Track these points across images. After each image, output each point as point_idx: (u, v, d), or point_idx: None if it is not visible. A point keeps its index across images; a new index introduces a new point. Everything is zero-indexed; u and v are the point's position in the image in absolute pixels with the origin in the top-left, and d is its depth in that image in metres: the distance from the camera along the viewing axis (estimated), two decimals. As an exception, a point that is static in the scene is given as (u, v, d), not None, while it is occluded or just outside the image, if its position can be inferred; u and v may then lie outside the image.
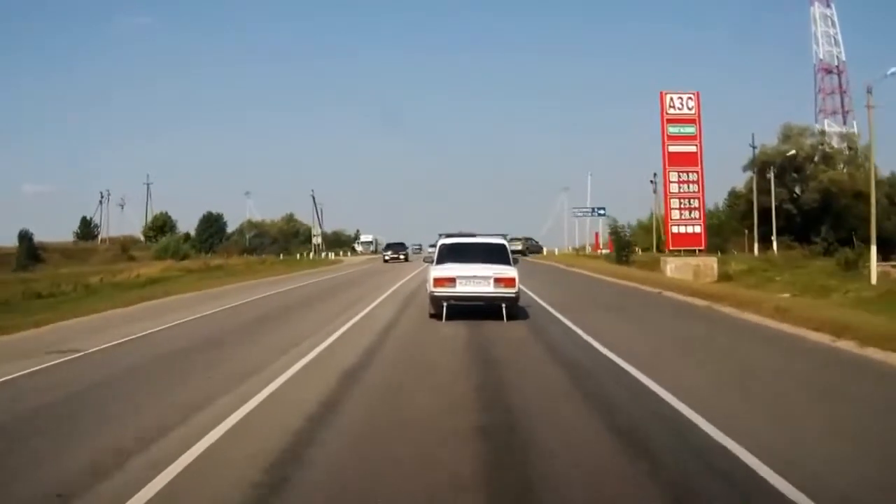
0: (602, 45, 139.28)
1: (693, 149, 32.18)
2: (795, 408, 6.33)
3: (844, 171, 52.26)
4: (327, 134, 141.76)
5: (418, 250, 71.40)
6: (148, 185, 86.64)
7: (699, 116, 32.25)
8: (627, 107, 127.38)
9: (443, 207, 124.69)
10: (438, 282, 12.48)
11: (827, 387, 7.40)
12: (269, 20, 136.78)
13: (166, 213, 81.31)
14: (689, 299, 16.08)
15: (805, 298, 22.24)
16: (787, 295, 23.65)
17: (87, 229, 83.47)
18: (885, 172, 51.01)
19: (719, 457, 4.77)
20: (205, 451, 5.11)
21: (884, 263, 32.02)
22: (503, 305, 12.29)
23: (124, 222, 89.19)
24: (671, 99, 32.08)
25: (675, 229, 32.77)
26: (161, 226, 78.44)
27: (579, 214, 64.39)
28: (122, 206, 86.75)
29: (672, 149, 32.09)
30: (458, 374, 7.94)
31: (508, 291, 12.27)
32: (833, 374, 8.08)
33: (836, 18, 67.38)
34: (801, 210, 50.58)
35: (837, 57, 67.46)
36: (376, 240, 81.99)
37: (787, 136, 52.53)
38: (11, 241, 62.93)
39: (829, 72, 67.27)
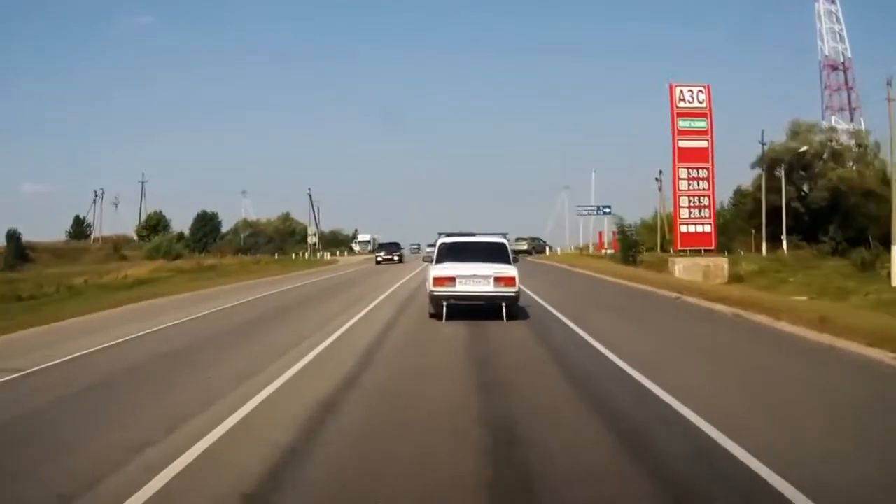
0: (602, 45, 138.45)
1: (704, 144, 30.94)
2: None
3: (854, 168, 51.02)
4: (326, 133, 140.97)
5: (417, 250, 70.13)
6: (142, 183, 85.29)
7: (710, 110, 31.04)
8: (628, 106, 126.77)
9: (443, 207, 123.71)
10: (438, 281, 12.40)
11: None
12: (269, 20, 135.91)
13: (160, 212, 79.97)
14: (713, 306, 14.43)
15: (824, 301, 21.04)
16: (803, 298, 22.42)
17: (79, 228, 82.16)
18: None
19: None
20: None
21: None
22: (503, 305, 12.21)
23: (119, 221, 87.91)
24: (681, 92, 30.83)
25: (683, 228, 31.51)
26: (155, 225, 77.04)
27: (584, 213, 61.88)
28: (115, 205, 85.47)
29: (682, 144, 30.85)
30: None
31: (508, 290, 12.22)
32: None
33: (840, 14, 66.29)
34: (809, 208, 49.32)
35: (843, 53, 66.25)
36: (374, 239, 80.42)
37: (796, 132, 51.27)
38: (3, 241, 61.72)
39: (834, 68, 66.03)
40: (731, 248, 43.89)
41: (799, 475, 4.24)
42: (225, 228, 79.95)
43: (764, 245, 44.92)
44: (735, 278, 29.63)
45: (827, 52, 65.80)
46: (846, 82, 65.77)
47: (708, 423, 5.48)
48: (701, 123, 30.98)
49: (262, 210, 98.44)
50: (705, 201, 31.39)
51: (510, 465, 4.68)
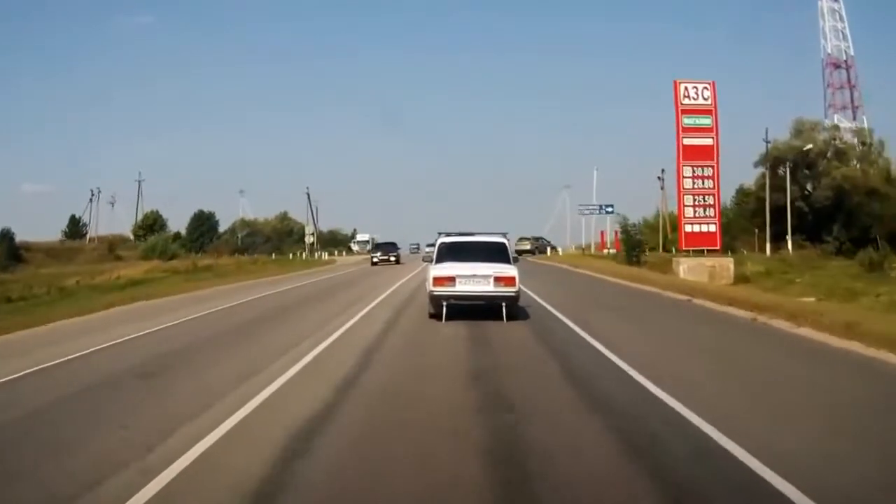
0: (602, 45, 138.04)
1: (709, 141, 30.19)
2: None
3: (857, 167, 50.41)
4: (326, 133, 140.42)
5: (416, 250, 69.37)
6: (139, 182, 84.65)
7: (715, 107, 30.27)
8: (628, 106, 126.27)
9: (442, 207, 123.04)
10: (438, 281, 12.36)
11: None
12: (268, 20, 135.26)
13: (156, 211, 79.20)
14: (727, 309, 13.55)
15: (832, 303, 20.39)
16: (811, 299, 21.78)
17: (75, 228, 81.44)
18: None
19: None
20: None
21: (913, 264, 30.25)
22: (503, 305, 12.17)
23: (115, 221, 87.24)
24: (685, 88, 30.08)
25: (688, 228, 30.77)
26: (151, 225, 76.26)
27: (586, 212, 60.15)
28: (112, 204, 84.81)
29: (686, 141, 30.10)
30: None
31: (509, 290, 12.18)
32: None
33: (844, 12, 65.70)
34: (813, 208, 48.68)
35: (846, 51, 65.69)
36: (373, 239, 79.69)
37: (800, 130, 50.65)
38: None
39: (837, 66, 65.47)
40: (734, 248, 43.23)
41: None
42: (223, 228, 79.32)
43: (768, 245, 44.26)
44: (741, 279, 28.97)
45: (830, 50, 65.29)
46: (849, 80, 65.25)
47: (771, 471, 4.37)
48: (706, 120, 30.27)
49: (260, 210, 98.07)
50: (710, 200, 30.68)
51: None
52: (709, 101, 30.40)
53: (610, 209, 55.94)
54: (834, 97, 65.13)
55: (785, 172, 46.28)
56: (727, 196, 54.67)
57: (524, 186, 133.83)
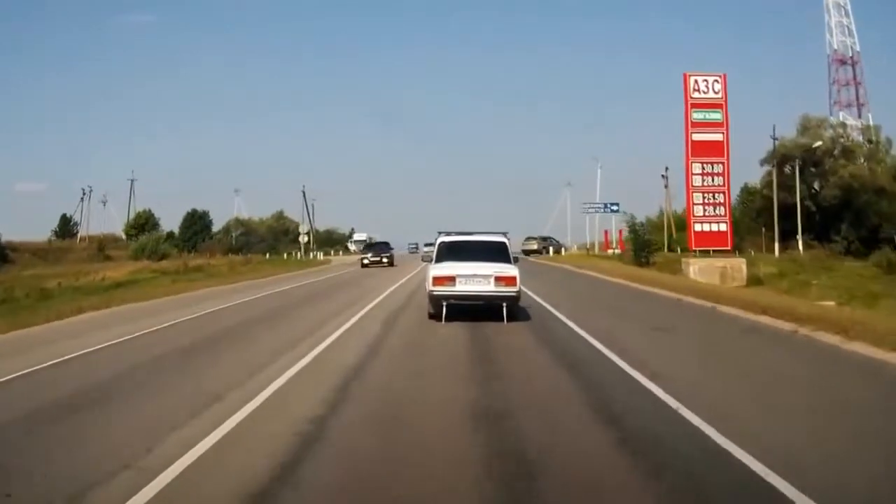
0: (601, 44, 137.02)
1: (719, 137, 28.97)
2: None
3: (865, 165, 49.20)
4: (325, 131, 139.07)
5: (415, 249, 68.00)
6: (132, 181, 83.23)
7: (726, 101, 29.05)
8: (628, 105, 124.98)
9: (442, 206, 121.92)
10: (437, 280, 12.20)
11: None
12: (267, 20, 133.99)
13: (149, 210, 77.71)
14: (763, 319, 11.86)
15: (856, 307, 19.13)
16: (831, 302, 20.54)
17: (66, 227, 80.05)
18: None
19: None
20: None
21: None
22: (503, 305, 12.02)
23: (108, 220, 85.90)
24: (695, 81, 28.87)
25: (697, 227, 29.55)
26: (143, 224, 74.77)
27: (590, 210, 58.05)
28: (104, 203, 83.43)
29: (696, 137, 28.87)
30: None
31: (509, 290, 12.03)
32: None
33: (849, 7, 64.50)
34: (820, 207, 47.49)
35: (852, 47, 64.49)
36: (371, 238, 78.53)
37: (806, 127, 49.45)
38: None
39: (843, 62, 64.25)
40: (742, 248, 42.04)
41: None
42: (217, 227, 77.86)
43: (776, 245, 42.99)
44: (753, 281, 27.74)
45: (836, 46, 64.06)
46: (854, 77, 64.05)
47: None
48: (716, 115, 29.04)
49: (256, 209, 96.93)
50: (720, 198, 29.44)
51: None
52: (719, 95, 29.21)
53: (615, 207, 54.28)
54: (839, 94, 63.96)
55: (793, 170, 45.04)
56: (732, 195, 53.47)
57: (524, 185, 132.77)
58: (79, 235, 78.63)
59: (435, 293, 12.26)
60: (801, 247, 42.24)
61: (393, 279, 26.00)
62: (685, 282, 21.88)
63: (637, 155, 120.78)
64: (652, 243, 38.69)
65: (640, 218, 44.08)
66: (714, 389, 7.27)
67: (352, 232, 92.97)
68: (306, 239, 65.72)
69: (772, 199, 44.76)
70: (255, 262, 49.21)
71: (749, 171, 72.33)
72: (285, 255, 61.91)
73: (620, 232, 44.30)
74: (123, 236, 76.69)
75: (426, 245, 43.95)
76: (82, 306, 17.22)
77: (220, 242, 69.47)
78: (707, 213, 29.34)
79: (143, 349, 10.56)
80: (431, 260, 13.31)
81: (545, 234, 61.93)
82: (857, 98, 63.61)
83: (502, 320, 11.92)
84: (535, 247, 53.27)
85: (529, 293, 15.60)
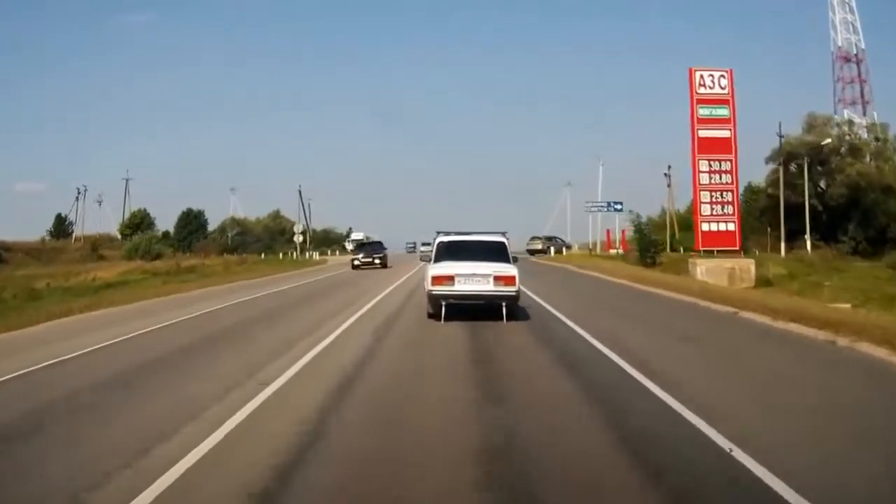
0: (601, 44, 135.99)
1: (727, 133, 28.15)
2: None
3: (872, 164, 48.34)
4: (323, 131, 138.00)
5: (412, 249, 67.12)
6: (126, 181, 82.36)
7: (733, 97, 28.21)
8: (628, 104, 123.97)
9: (440, 206, 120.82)
10: (437, 280, 12.19)
11: None
12: (266, 20, 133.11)
13: (144, 209, 76.79)
14: (792, 327, 10.66)
15: (872, 309, 18.23)
16: (846, 305, 19.68)
17: (61, 227, 79.24)
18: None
19: None
20: None
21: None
22: (503, 304, 12.04)
23: (103, 220, 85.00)
24: (701, 77, 28.04)
25: (705, 227, 28.71)
26: (139, 223, 73.91)
27: (593, 210, 56.32)
28: (99, 203, 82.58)
29: (702, 133, 28.04)
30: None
31: (509, 290, 12.04)
32: None
33: (854, 4, 63.66)
34: (827, 206, 46.58)
35: (856, 45, 63.62)
36: (368, 238, 77.63)
37: (812, 125, 48.58)
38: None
39: (847, 60, 63.39)
40: (746, 248, 41.23)
41: None
42: (213, 227, 76.96)
43: (783, 245, 42.10)
44: (762, 282, 26.88)
45: (840, 44, 63.23)
46: (859, 74, 63.19)
47: None
48: (723, 111, 28.22)
49: (252, 208, 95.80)
50: (728, 197, 28.63)
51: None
52: (726, 91, 28.40)
53: (619, 206, 53.06)
54: (843, 92, 63.11)
55: (801, 168, 44.15)
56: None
57: (524, 185, 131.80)
58: (74, 235, 77.85)
59: (434, 293, 12.24)
60: (808, 247, 41.32)
61: (391, 280, 25.09)
62: (700, 285, 20.68)
63: (637, 155, 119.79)
64: (658, 243, 37.74)
65: (642, 217, 43.14)
66: (775, 432, 5.56)
67: (349, 231, 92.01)
68: (301, 238, 64.76)
69: (776, 198, 43.88)
70: (251, 263, 48.35)
71: (752, 169, 71.53)
72: (281, 255, 61.02)
73: (624, 232, 43.32)
74: (119, 236, 75.85)
75: (423, 244, 43.01)
76: (82, 305, 16.50)
77: (216, 242, 68.57)
78: (715, 213, 28.53)
79: (114, 360, 9.63)
80: (429, 260, 13.28)
81: (545, 234, 60.97)
82: (862, 95, 62.75)
83: (502, 320, 11.86)
84: (539, 246, 52.30)
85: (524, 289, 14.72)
